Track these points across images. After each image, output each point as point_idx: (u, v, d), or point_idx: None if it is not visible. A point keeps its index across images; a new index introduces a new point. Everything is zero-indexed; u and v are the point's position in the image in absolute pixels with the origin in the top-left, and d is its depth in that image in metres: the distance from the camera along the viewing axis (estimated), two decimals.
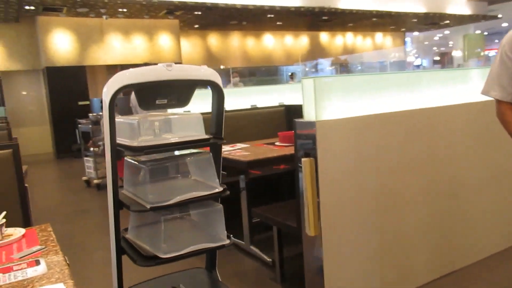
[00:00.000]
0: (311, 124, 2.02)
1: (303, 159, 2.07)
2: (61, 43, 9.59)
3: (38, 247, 1.31)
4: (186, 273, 1.94)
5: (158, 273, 1.84)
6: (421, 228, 2.48)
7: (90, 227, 4.21)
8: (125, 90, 1.45)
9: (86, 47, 9.86)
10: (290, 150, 2.88)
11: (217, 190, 1.59)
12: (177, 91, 1.60)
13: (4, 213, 1.44)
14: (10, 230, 1.46)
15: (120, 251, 1.56)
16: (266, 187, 3.95)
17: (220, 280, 1.87)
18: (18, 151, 2.01)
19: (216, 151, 1.72)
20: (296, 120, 2.12)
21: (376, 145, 2.25)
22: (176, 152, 1.70)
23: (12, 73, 10.10)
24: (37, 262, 1.18)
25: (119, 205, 1.52)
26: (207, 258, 1.89)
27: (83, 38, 9.80)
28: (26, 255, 1.25)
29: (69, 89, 9.48)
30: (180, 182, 1.67)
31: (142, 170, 1.55)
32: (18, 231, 1.46)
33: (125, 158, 1.62)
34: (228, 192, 1.64)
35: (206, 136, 1.62)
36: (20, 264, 1.19)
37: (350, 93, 2.21)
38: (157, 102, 1.54)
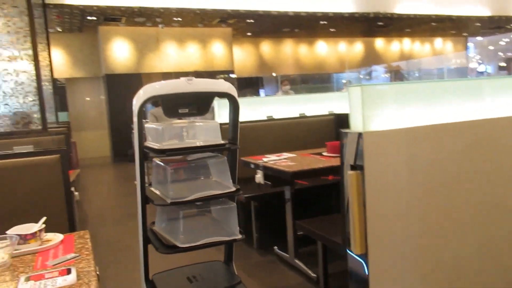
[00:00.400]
0: (358, 135, 1.91)
1: (349, 172, 1.95)
2: (120, 51, 10.02)
3: (73, 254, 1.31)
4: (205, 265, 2.22)
5: (182, 264, 2.14)
6: (480, 251, 2.26)
7: (136, 230, 4.30)
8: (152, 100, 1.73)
9: (142, 55, 10.23)
10: (337, 161, 2.75)
11: (230, 190, 1.82)
12: (197, 102, 1.85)
13: (44, 218, 1.47)
14: (49, 235, 1.48)
15: (146, 241, 1.84)
16: (313, 199, 3.83)
17: (236, 273, 2.09)
18: (66, 157, 2.06)
19: (233, 155, 1.96)
20: (342, 130, 2.01)
21: (430, 159, 2.09)
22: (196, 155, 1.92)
23: (76, 80, 10.69)
24: (68, 271, 1.18)
25: (145, 200, 1.79)
26: (225, 252, 2.14)
27: (140, 47, 10.18)
28: (60, 263, 1.25)
29: (126, 95, 9.83)
30: (201, 182, 1.89)
31: (166, 170, 1.78)
32: (57, 237, 1.47)
33: (153, 159, 1.86)
34: (241, 192, 1.88)
35: (222, 142, 1.86)
36: (52, 272, 1.18)
37: (401, 102, 2.07)
38: (179, 111, 1.81)
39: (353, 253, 2.02)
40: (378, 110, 1.92)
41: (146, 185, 1.86)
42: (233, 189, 1.85)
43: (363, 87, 1.85)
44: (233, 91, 1.91)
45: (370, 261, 2.00)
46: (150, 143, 1.80)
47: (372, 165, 1.93)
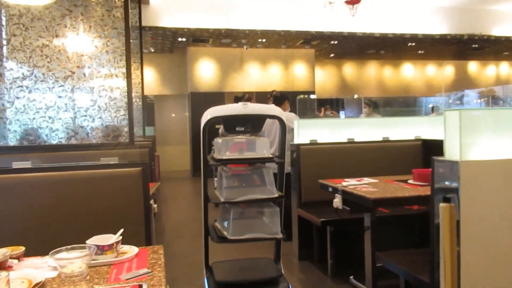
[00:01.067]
0: (454, 164, 1.72)
1: (441, 205, 1.76)
2: (205, 70, 10.44)
3: (146, 270, 1.30)
4: (256, 260, 2.65)
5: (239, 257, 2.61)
6: None
7: (212, 245, 4.33)
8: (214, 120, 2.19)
9: (226, 75, 10.56)
10: (425, 191, 2.54)
11: (272, 196, 2.21)
12: (251, 122, 2.29)
13: (121, 230, 1.48)
14: (125, 248, 1.49)
15: (206, 232, 2.29)
16: (394, 228, 3.57)
17: (282, 271, 2.36)
18: (147, 170, 2.11)
19: (280, 167, 2.38)
20: (435, 158, 1.83)
21: None
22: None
23: (163, 97, 11.32)
24: (140, 287, 1.16)
25: (207, 199, 2.26)
26: (275, 251, 2.48)
27: (224, 66, 10.53)
28: (132, 277, 1.24)
29: None
30: (251, 188, 2.30)
31: (222, 175, 2.26)
32: (132, 250, 1.48)
33: (218, 167, 2.31)
34: (283, 198, 2.27)
35: (270, 156, 2.28)
36: (125, 287, 1.17)
37: (504, 130, 1.84)
38: (236, 129, 2.28)
39: None
40: (478, 138, 1.72)
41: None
42: (276, 195, 2.23)
43: (461, 112, 1.67)
44: (281, 114, 2.33)
45: None
46: (217, 154, 2.28)
47: (469, 198, 1.72)
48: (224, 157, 2.25)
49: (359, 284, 3.06)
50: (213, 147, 2.67)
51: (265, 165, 2.36)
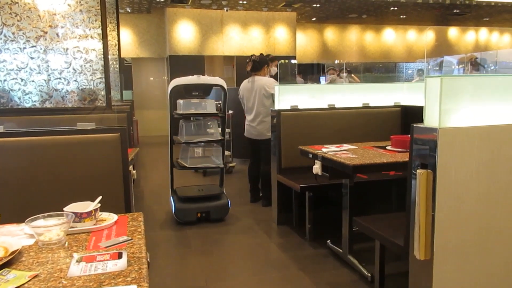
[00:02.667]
0: (433, 131, 1.73)
1: (418, 171, 1.79)
2: (184, 33, 10.16)
3: (125, 237, 1.29)
4: (206, 185, 4.35)
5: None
6: None
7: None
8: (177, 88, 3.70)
9: (206, 38, 10.31)
10: (403, 157, 2.58)
11: (217, 138, 3.87)
12: (203, 89, 3.73)
13: (100, 197, 1.46)
14: (104, 215, 1.47)
15: (172, 165, 3.80)
16: (371, 193, 3.65)
17: (224, 191, 4.04)
18: (126, 136, 2.07)
19: (223, 120, 4.05)
20: (415, 125, 1.84)
21: None
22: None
23: (141, 60, 11.02)
24: (120, 255, 1.15)
25: (172, 141, 3.84)
26: (220, 177, 4.17)
27: (204, 29, 10.26)
28: (112, 245, 1.23)
29: None
30: (205, 133, 3.83)
31: (181, 124, 3.84)
32: (112, 217, 1.46)
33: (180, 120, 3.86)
34: (224, 140, 3.92)
35: (215, 112, 3.82)
36: (104, 254, 1.16)
37: (484, 98, 1.86)
38: (193, 93, 3.70)
39: (416, 258, 1.87)
40: (458, 105, 1.73)
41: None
42: (219, 138, 3.89)
43: (443, 78, 1.67)
44: (224, 83, 3.82)
45: (435, 268, 1.84)
46: (181, 111, 3.80)
47: (446, 164, 1.75)
48: (184, 112, 3.76)
49: (335, 247, 3.14)
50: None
51: (211, 118, 3.95)
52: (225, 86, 3.77)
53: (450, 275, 1.87)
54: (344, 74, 7.70)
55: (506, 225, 1.92)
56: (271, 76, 4.88)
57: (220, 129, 4.10)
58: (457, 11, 11.26)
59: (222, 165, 3.84)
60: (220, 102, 4.15)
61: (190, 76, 3.66)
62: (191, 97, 3.65)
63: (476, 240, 1.89)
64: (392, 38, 13.67)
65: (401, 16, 12.00)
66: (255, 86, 4.27)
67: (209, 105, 3.74)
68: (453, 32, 14.27)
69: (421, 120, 1.85)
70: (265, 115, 4.20)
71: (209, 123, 3.90)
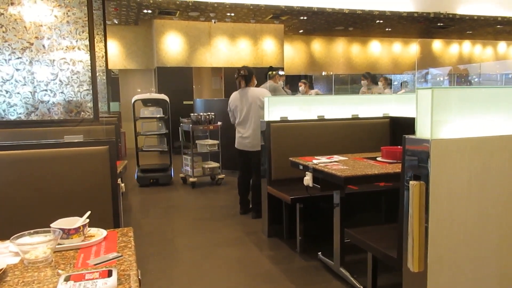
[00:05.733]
0: (425, 142, 1.73)
1: (411, 182, 1.78)
2: (172, 44, 10.15)
3: (115, 254, 1.24)
4: (160, 163, 7.32)
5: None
6: None
7: (178, 224, 4.29)
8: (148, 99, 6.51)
9: (194, 49, 10.31)
10: (394, 168, 2.58)
11: (163, 132, 6.64)
12: (152, 101, 6.45)
13: (88, 213, 1.41)
14: (93, 230, 1.43)
15: (137, 150, 6.53)
16: (362, 204, 3.64)
17: (171, 163, 6.62)
18: (115, 148, 2.02)
19: (166, 123, 6.60)
20: (407, 136, 1.84)
21: (505, 173, 1.87)
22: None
23: (129, 71, 10.95)
24: (109, 273, 1.10)
25: (136, 134, 6.62)
26: (169, 158, 6.66)
27: (192, 41, 10.26)
28: (101, 263, 1.19)
29: (175, 88, 9.98)
30: (158, 129, 6.79)
31: (142, 124, 6.92)
32: (100, 233, 1.41)
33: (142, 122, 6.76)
34: (169, 134, 6.45)
35: (164, 116, 6.45)
36: (93, 272, 1.12)
37: (475, 109, 1.87)
38: (147, 104, 6.44)
39: (410, 270, 1.85)
40: (449, 116, 1.74)
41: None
42: (164, 132, 6.39)
43: (434, 90, 1.67)
44: (167, 98, 6.37)
45: (429, 281, 1.83)
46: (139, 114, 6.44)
47: (439, 175, 1.75)
48: (143, 116, 6.34)
49: (327, 259, 3.12)
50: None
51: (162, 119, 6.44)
52: (168, 100, 6.38)
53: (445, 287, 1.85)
54: (302, 87, 7.92)
55: (499, 235, 1.92)
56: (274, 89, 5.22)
57: (166, 125, 6.55)
58: (441, 24, 11.47)
59: (166, 149, 6.46)
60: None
61: (145, 94, 6.73)
62: (147, 106, 6.42)
63: (469, 252, 1.88)
64: (378, 50, 13.85)
65: (387, 29, 12.18)
66: (249, 97, 4.26)
67: (156, 111, 6.38)
68: (437, 44, 14.53)
69: (409, 131, 1.85)
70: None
71: (159, 123, 6.65)
